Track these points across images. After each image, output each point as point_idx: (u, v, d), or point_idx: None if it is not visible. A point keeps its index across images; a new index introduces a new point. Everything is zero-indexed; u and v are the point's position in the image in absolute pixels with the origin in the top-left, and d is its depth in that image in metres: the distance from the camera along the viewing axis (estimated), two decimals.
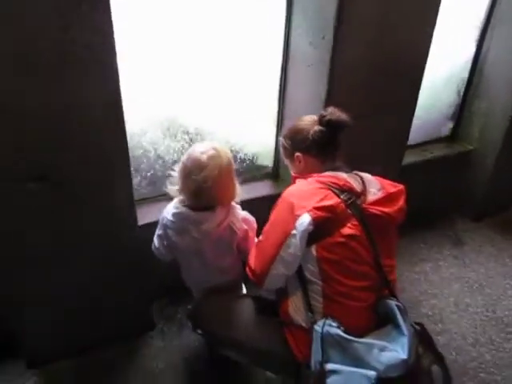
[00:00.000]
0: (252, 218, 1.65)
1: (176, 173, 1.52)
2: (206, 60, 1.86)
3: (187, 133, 1.99)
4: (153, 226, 1.66)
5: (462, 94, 2.68)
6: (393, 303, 1.36)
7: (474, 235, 2.74)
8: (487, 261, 2.54)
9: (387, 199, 1.40)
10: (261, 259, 1.43)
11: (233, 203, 1.59)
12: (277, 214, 1.42)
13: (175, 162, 1.87)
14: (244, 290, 1.81)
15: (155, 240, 1.63)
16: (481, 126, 2.64)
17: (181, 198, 1.54)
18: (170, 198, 1.60)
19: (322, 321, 1.33)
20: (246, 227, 1.60)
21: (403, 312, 1.34)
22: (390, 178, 1.51)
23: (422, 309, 2.23)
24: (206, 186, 1.44)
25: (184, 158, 1.50)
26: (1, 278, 1.60)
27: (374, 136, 2.05)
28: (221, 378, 1.83)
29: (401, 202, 1.42)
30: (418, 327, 1.39)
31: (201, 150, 1.47)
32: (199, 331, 1.65)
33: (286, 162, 1.59)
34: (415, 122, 2.25)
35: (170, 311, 2.10)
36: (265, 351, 1.50)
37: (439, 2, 1.84)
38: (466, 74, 2.62)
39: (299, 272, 1.39)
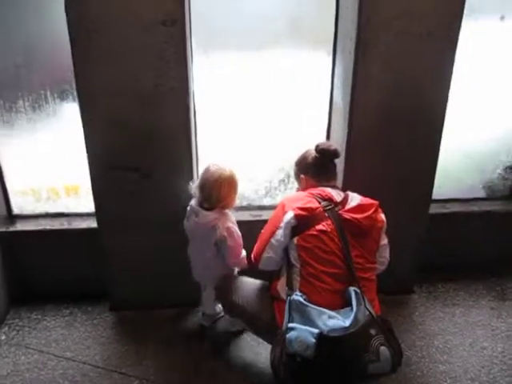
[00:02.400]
0: (237, 233, 2.13)
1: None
2: (268, 113, 2.52)
3: None
4: None
5: None
6: (351, 289, 1.74)
7: None
8: None
9: (358, 208, 1.83)
10: (258, 246, 1.96)
11: (229, 214, 2.15)
12: (274, 213, 1.95)
13: None
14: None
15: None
16: None
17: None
18: None
19: (294, 293, 1.79)
20: (225, 235, 2.07)
21: (358, 296, 1.72)
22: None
23: (434, 341, 2.40)
24: (207, 185, 2.05)
25: None
26: (102, 242, 2.40)
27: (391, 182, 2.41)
28: None
29: (370, 212, 1.82)
30: (375, 314, 1.74)
31: (214, 164, 2.11)
32: (221, 300, 2.20)
33: (297, 183, 2.11)
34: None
35: None
36: (258, 317, 1.98)
37: (451, 70, 2.21)
38: None
39: (287, 260, 1.88)
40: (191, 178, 2.30)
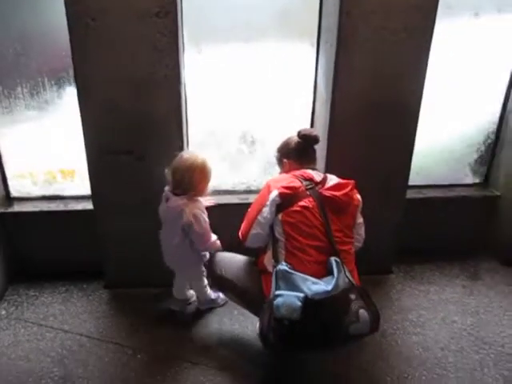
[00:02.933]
0: (203, 218, 2.21)
1: None
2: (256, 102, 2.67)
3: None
4: None
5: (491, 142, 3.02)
6: (332, 259, 1.90)
7: (496, 275, 2.94)
8: (495, 295, 2.74)
9: (336, 187, 2.00)
10: (246, 224, 2.10)
11: (199, 201, 2.25)
12: (260, 193, 2.09)
13: None
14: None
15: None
16: (506, 173, 2.94)
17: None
18: None
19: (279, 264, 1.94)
20: (191, 220, 2.16)
21: (339, 265, 1.88)
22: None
23: (409, 315, 2.57)
24: (179, 172, 2.16)
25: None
26: (98, 223, 2.53)
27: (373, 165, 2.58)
28: None
29: (347, 190, 1.99)
30: (354, 282, 1.91)
31: (188, 152, 2.23)
32: (211, 275, 2.34)
33: (279, 168, 2.26)
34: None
35: None
36: (247, 291, 2.13)
37: (426, 64, 2.37)
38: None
39: (273, 235, 2.03)
40: None
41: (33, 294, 2.68)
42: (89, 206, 2.66)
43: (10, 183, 2.75)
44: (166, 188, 2.28)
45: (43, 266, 2.80)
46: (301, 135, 2.11)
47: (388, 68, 2.36)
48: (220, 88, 2.63)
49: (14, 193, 2.78)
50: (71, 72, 2.47)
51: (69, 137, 2.61)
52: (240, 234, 2.14)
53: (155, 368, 2.19)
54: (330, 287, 1.81)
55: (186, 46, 2.41)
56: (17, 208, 2.71)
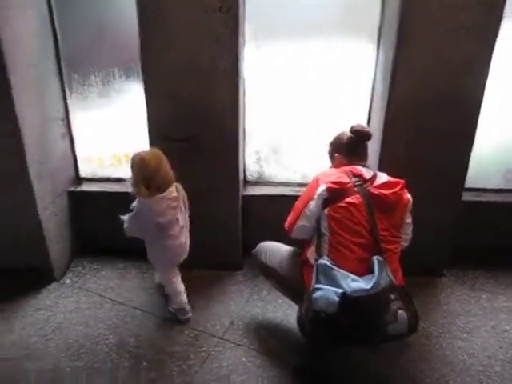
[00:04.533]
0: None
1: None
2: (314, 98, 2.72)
3: None
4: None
5: None
6: (375, 258, 1.92)
7: None
8: None
9: (386, 185, 2.00)
10: (292, 215, 2.15)
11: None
12: (308, 186, 2.13)
13: None
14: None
15: (130, 230, 2.32)
16: None
17: (144, 194, 2.17)
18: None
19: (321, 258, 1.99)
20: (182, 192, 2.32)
21: (381, 263, 1.90)
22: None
23: (457, 320, 2.51)
24: (158, 171, 2.16)
25: (133, 164, 2.16)
26: None
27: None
28: None
29: (396, 189, 1.99)
30: (395, 282, 1.91)
31: (143, 153, 2.19)
32: (256, 263, 2.42)
33: (330, 161, 2.28)
34: None
35: None
36: (289, 280, 2.19)
37: (489, 63, 2.29)
38: None
39: (318, 229, 2.07)
40: (236, 150, 2.54)
41: (95, 267, 2.90)
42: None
43: (80, 164, 2.99)
44: (151, 198, 2.17)
45: (105, 243, 3.01)
46: (353, 130, 2.12)
47: (447, 65, 2.31)
48: (278, 83, 2.70)
49: (82, 174, 3.02)
50: (139, 62, 2.65)
51: (134, 123, 2.79)
52: (286, 225, 2.19)
53: (200, 345, 2.31)
54: (369, 286, 1.83)
55: (247, 41, 2.50)
56: (84, 187, 2.94)
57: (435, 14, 2.20)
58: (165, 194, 2.19)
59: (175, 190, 2.25)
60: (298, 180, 2.93)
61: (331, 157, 2.26)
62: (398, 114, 2.43)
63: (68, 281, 2.78)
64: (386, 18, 2.46)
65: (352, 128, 2.13)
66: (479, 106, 2.40)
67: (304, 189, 2.61)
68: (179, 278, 2.50)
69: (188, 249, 2.45)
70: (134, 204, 2.26)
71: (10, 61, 2.23)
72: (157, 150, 2.23)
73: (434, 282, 2.83)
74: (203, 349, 2.30)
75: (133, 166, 2.18)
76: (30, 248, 2.63)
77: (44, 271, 2.70)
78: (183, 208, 2.34)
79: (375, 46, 2.57)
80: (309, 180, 2.82)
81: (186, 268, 2.80)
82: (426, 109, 2.40)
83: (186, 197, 2.35)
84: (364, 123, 2.72)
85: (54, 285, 2.73)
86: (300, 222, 2.09)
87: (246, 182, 2.92)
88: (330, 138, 2.27)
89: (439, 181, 2.57)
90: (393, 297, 1.85)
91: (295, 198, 2.78)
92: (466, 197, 2.74)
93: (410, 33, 2.25)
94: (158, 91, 2.43)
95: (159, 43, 2.33)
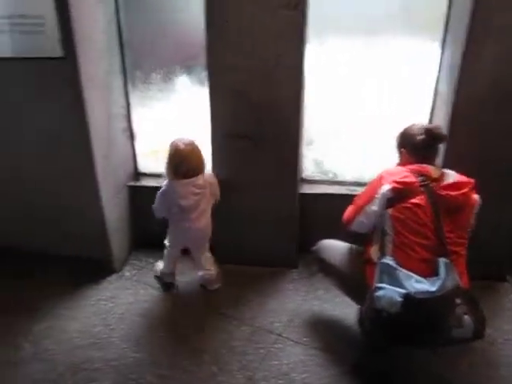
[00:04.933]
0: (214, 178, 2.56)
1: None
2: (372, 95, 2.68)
3: None
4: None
5: None
6: (441, 260, 1.88)
7: None
8: None
9: (454, 186, 1.94)
10: (352, 210, 2.13)
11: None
12: (371, 182, 2.10)
13: None
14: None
15: (158, 210, 2.53)
16: None
17: (171, 177, 2.42)
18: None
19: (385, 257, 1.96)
20: (213, 180, 2.54)
21: (447, 266, 1.85)
22: None
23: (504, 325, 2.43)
24: (187, 158, 2.37)
25: (168, 150, 2.40)
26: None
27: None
28: None
29: (465, 190, 1.93)
30: (461, 286, 1.86)
31: (179, 140, 2.40)
32: (316, 260, 2.41)
33: (397, 154, 2.23)
34: None
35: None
36: (350, 277, 2.17)
37: None
38: None
39: (382, 228, 2.04)
40: (297, 147, 2.54)
41: (151, 261, 2.96)
42: None
43: (139, 159, 3.05)
44: (176, 181, 2.40)
45: (161, 238, 3.05)
46: (428, 132, 2.03)
47: None
48: (338, 80, 2.67)
49: (141, 169, 3.08)
50: (200, 60, 2.69)
51: (193, 120, 2.83)
52: (345, 217, 2.17)
53: (258, 341, 2.32)
54: (434, 288, 1.79)
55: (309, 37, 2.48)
56: (143, 182, 3.00)
57: (507, 13, 2.12)
58: (190, 180, 2.40)
59: (202, 179, 2.43)
60: (354, 179, 2.89)
61: (398, 149, 2.20)
62: (465, 112, 2.36)
63: (127, 273, 2.85)
64: (453, 16, 2.38)
65: (427, 130, 2.05)
66: None
67: (361, 188, 2.61)
68: (178, 258, 2.72)
69: (209, 234, 2.63)
70: (163, 184, 2.48)
71: (82, 57, 2.30)
72: (191, 141, 2.41)
73: (497, 286, 2.73)
74: (262, 345, 2.30)
75: (168, 152, 2.41)
76: (93, 239, 2.71)
77: (105, 262, 2.78)
78: (208, 196, 2.52)
79: (440, 42, 2.50)
80: (365, 179, 2.85)
81: (240, 263, 2.84)
82: (495, 107, 2.32)
83: (216, 187, 2.56)
84: (426, 121, 2.66)
85: (113, 276, 2.80)
86: (359, 218, 2.08)
87: (302, 180, 2.90)
88: (400, 130, 2.19)
89: (507, 181, 2.47)
90: (458, 301, 1.80)
91: (351, 196, 2.76)
92: None
93: (481, 28, 2.18)
94: (222, 89, 2.46)
95: (225, 42, 2.35)
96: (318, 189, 2.86)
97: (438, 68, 2.56)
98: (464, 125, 2.38)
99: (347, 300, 2.39)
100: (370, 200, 2.03)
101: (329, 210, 2.80)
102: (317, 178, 2.92)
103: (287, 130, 2.51)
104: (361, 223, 2.08)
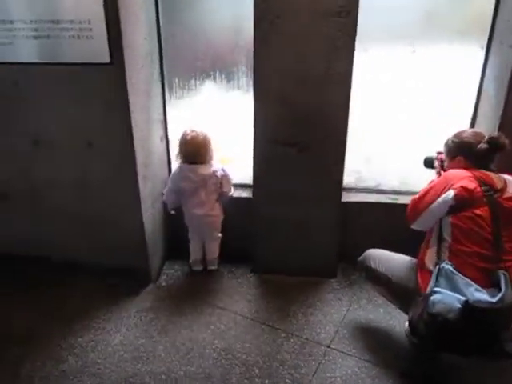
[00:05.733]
0: (228, 171, 2.69)
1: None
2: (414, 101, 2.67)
3: None
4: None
5: None
6: (501, 272, 1.84)
7: None
8: None
9: None
10: (415, 208, 2.08)
11: (214, 163, 2.67)
12: (436, 183, 2.05)
13: None
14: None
15: (166, 193, 2.74)
16: None
17: (180, 161, 2.65)
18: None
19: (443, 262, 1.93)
20: (223, 173, 2.65)
21: (507, 279, 1.82)
22: None
23: None
24: (196, 146, 2.58)
25: (179, 138, 2.63)
26: (254, 210, 2.69)
27: None
28: None
29: None
30: None
31: (192, 129, 2.60)
32: (364, 270, 2.37)
33: (446, 159, 2.20)
34: None
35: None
36: (403, 285, 2.13)
37: None
38: None
39: (439, 234, 2.01)
40: (343, 155, 2.52)
41: (186, 270, 2.91)
42: (243, 194, 2.84)
43: (173, 167, 2.99)
44: (183, 165, 2.64)
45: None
46: (492, 141, 2.00)
47: None
48: (380, 87, 2.66)
49: None
50: (241, 67, 2.67)
51: (232, 127, 2.80)
52: (409, 215, 2.13)
53: (308, 353, 2.27)
54: (494, 299, 1.75)
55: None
56: None
57: None
58: (191, 166, 2.61)
59: (204, 169, 2.62)
60: (395, 187, 2.87)
61: (452, 157, 2.15)
62: None
63: (164, 283, 2.79)
64: (501, 20, 2.38)
65: (492, 139, 2.01)
66: None
67: (402, 197, 2.57)
68: (199, 244, 2.87)
69: (212, 223, 2.78)
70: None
71: (128, 63, 2.25)
72: (203, 133, 2.60)
73: None
74: (312, 357, 2.25)
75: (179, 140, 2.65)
76: (131, 249, 2.65)
77: (142, 272, 2.71)
78: (212, 188, 2.66)
79: (484, 48, 2.50)
80: (405, 186, 2.83)
81: (280, 273, 2.80)
82: None
83: (226, 182, 2.69)
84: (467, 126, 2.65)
85: (151, 286, 2.74)
86: (423, 217, 2.05)
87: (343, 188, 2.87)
88: (451, 137, 2.15)
89: None
90: None
91: (391, 205, 2.76)
92: None
93: None
94: (269, 94, 2.42)
95: (274, 47, 2.31)
96: (357, 197, 2.83)
97: (481, 73, 2.55)
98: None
99: (391, 310, 2.44)
100: (432, 201, 2.00)
101: (368, 218, 2.81)
102: (356, 186, 2.89)
103: (334, 137, 2.48)
104: (423, 223, 2.07)
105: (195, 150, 2.60)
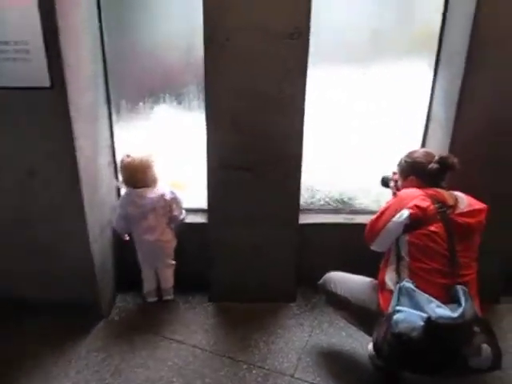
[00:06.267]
0: (178, 194, 2.60)
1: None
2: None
3: None
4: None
5: None
6: (459, 287, 1.87)
7: None
8: None
9: (471, 213, 1.96)
10: (373, 231, 2.08)
11: (163, 186, 2.57)
12: (390, 204, 2.06)
13: None
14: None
15: (116, 219, 2.60)
16: None
17: (127, 188, 2.55)
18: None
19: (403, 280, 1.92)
20: (172, 196, 2.56)
21: (465, 293, 1.85)
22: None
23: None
24: (139, 170, 2.47)
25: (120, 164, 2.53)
26: (210, 236, 2.58)
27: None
28: None
29: (481, 217, 1.96)
30: (479, 314, 1.87)
31: (124, 157, 2.52)
32: (325, 294, 2.32)
33: (399, 179, 2.21)
34: None
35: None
36: (365, 307, 2.10)
37: None
38: None
39: (397, 253, 2.01)
40: (299, 177, 2.48)
41: (139, 302, 2.75)
42: (196, 219, 2.73)
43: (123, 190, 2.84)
44: (130, 190, 2.54)
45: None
46: (443, 161, 2.04)
47: None
48: (327, 108, 2.65)
49: None
50: (192, 87, 2.58)
51: (182, 151, 2.70)
52: (366, 236, 2.14)
53: None
54: (455, 314, 1.77)
55: None
56: None
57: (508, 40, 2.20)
58: (138, 190, 2.51)
59: (149, 192, 2.51)
60: (350, 207, 2.87)
61: (405, 176, 2.18)
62: (464, 142, 2.40)
63: (116, 317, 2.62)
64: (447, 42, 2.44)
65: (443, 159, 2.05)
66: None
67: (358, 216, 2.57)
68: (152, 272, 2.73)
69: (164, 248, 2.66)
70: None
71: (70, 87, 2.11)
72: (139, 157, 2.48)
73: (491, 308, 2.77)
74: None
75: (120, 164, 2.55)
76: (80, 282, 2.47)
77: (92, 307, 2.53)
78: (161, 211, 2.55)
79: (432, 71, 2.56)
80: (360, 206, 2.83)
81: (238, 300, 2.70)
82: (492, 135, 2.38)
83: (175, 204, 2.59)
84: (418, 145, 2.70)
85: (102, 322, 2.56)
86: (381, 238, 2.05)
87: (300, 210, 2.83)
88: (404, 157, 2.18)
89: (502, 206, 2.52)
90: (477, 329, 1.80)
91: (348, 225, 2.75)
92: None
93: (479, 60, 2.24)
94: (221, 117, 2.35)
95: (224, 69, 2.25)
96: (313, 219, 2.79)
97: (430, 94, 2.61)
98: (461, 156, 2.40)
99: (352, 332, 2.42)
100: (387, 221, 2.00)
101: (326, 240, 2.78)
102: (311, 207, 2.86)
103: (289, 160, 2.43)
104: (382, 243, 2.07)
105: (132, 175, 2.50)
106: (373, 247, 2.10)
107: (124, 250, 2.74)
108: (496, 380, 2.24)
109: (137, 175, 2.48)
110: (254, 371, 2.26)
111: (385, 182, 2.38)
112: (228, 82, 2.27)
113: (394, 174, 2.30)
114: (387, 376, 2.23)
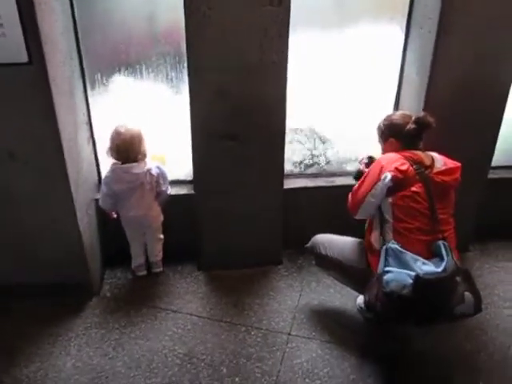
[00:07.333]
0: (164, 168, 2.57)
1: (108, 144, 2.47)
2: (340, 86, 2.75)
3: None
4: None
5: None
6: (440, 242, 2.01)
7: None
8: None
9: (447, 172, 2.09)
10: (355, 199, 2.18)
11: (148, 160, 2.53)
12: (370, 171, 2.15)
13: None
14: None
15: (101, 198, 2.55)
16: None
17: (113, 161, 2.48)
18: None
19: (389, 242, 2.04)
20: (159, 171, 2.53)
21: (446, 248, 1.99)
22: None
23: (495, 290, 2.70)
24: (125, 144, 2.41)
25: (111, 133, 2.44)
26: (197, 207, 2.61)
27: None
28: None
29: (457, 175, 2.10)
30: (462, 267, 2.02)
31: (122, 126, 2.43)
32: (314, 256, 2.43)
33: (380, 141, 2.31)
34: None
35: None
36: (354, 267, 2.24)
37: None
38: None
39: (381, 215, 2.12)
40: (282, 144, 2.53)
41: (130, 276, 2.76)
42: (181, 191, 2.75)
43: (102, 170, 2.79)
44: (115, 165, 2.48)
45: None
46: (418, 121, 2.13)
47: (489, 54, 2.44)
48: (307, 72, 2.69)
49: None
50: (169, 59, 2.54)
51: (161, 123, 2.67)
52: (349, 207, 2.23)
53: (272, 344, 2.29)
54: (439, 269, 1.91)
55: None
56: None
57: (477, 3, 2.31)
58: (124, 166, 2.46)
59: (138, 167, 2.46)
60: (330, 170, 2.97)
61: (384, 138, 2.27)
62: (436, 103, 2.52)
63: (108, 294, 2.62)
64: (418, 6, 2.52)
65: (419, 119, 2.14)
66: (508, 88, 2.57)
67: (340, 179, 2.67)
68: (141, 247, 2.73)
69: (152, 221, 2.64)
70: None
71: (48, 62, 2.03)
72: (134, 129, 2.44)
73: (462, 256, 2.98)
74: (276, 347, 2.28)
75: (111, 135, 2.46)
76: (70, 261, 2.45)
77: (82, 286, 2.52)
78: (148, 186, 2.52)
79: (403, 32, 2.64)
80: (340, 168, 2.93)
81: (227, 267, 2.77)
82: (463, 96, 2.52)
83: (162, 179, 2.56)
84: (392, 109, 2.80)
85: (95, 299, 2.56)
86: (364, 206, 2.14)
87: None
88: (382, 120, 2.27)
89: (468, 162, 2.65)
90: (459, 279, 1.96)
91: (329, 188, 2.85)
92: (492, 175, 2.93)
93: (450, 22, 2.34)
94: (204, 87, 2.33)
95: (207, 39, 2.22)
96: (297, 183, 2.87)
97: (402, 56, 2.70)
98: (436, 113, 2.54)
99: (339, 289, 2.56)
100: (371, 188, 2.09)
101: (309, 203, 2.87)
102: (293, 173, 2.93)
103: (273, 127, 2.48)
104: (366, 210, 2.15)
105: (126, 148, 2.43)
106: (357, 216, 2.19)
107: (110, 226, 2.72)
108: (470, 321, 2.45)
109: (133, 148, 2.43)
110: (252, 332, 2.36)
111: (357, 173, 2.43)
112: (211, 51, 2.25)
113: (361, 160, 2.45)
114: (378, 326, 2.39)
